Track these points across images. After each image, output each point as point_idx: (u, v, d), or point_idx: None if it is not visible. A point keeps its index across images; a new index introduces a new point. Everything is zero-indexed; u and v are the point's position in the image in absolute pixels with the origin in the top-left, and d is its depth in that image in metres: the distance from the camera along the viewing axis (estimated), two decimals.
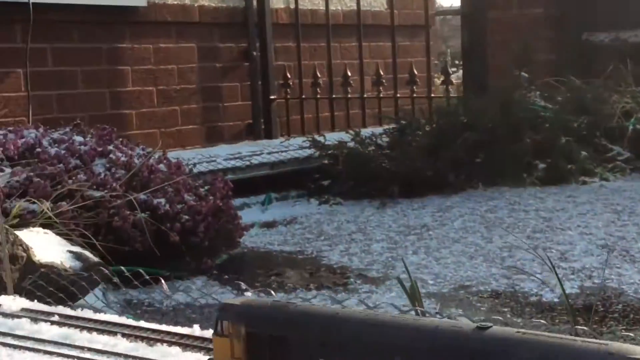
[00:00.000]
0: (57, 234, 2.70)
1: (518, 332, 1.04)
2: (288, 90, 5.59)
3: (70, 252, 2.42)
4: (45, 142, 3.02)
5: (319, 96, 5.52)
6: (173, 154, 4.23)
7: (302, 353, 1.18)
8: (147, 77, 5.10)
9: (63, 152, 2.97)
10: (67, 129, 3.21)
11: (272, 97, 5.54)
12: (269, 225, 3.71)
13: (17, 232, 2.38)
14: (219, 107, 5.44)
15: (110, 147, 3.06)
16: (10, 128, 3.12)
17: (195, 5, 5.25)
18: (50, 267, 2.31)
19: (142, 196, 2.96)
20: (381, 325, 1.13)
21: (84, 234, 2.79)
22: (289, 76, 5.61)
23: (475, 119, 4.18)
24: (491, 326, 1.06)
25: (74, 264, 2.38)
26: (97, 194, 2.89)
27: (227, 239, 3.22)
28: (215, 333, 1.27)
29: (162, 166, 3.13)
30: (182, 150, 4.83)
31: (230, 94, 5.49)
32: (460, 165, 4.08)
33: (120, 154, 3.06)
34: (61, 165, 2.94)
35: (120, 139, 3.22)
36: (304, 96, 5.56)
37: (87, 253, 2.45)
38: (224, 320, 1.26)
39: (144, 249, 2.93)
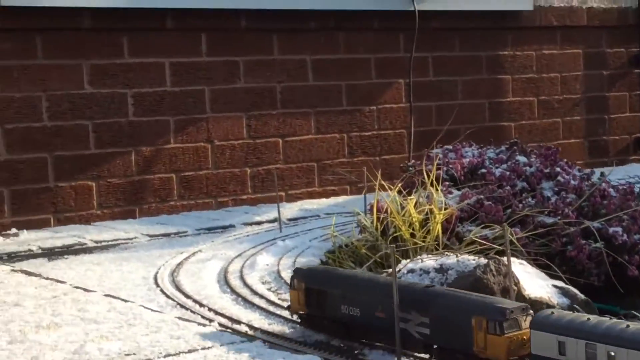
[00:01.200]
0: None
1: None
2: None
3: (555, 286, 2.36)
4: (487, 162, 3.01)
5: None
6: None
7: (333, 300, 2.15)
8: (528, 87, 5.02)
9: (508, 173, 2.94)
10: (503, 148, 3.19)
11: None
12: None
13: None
14: (605, 119, 5.24)
15: (557, 169, 2.98)
16: (449, 147, 3.14)
17: (584, 7, 5.09)
18: (539, 303, 2.26)
19: (595, 224, 2.85)
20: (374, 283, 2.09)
21: (538, 263, 2.74)
22: None
23: None
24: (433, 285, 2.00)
25: (561, 300, 2.31)
26: (550, 220, 2.82)
27: None
28: (290, 287, 2.27)
29: (612, 190, 3.00)
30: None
31: (617, 104, 5.26)
32: None
33: (568, 177, 2.97)
34: (508, 187, 2.90)
35: (566, 160, 3.14)
36: None
37: (573, 289, 2.37)
38: (295, 280, 2.25)
39: (599, 282, 2.82)
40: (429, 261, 2.33)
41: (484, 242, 2.63)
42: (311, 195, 4.42)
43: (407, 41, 4.65)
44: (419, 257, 2.37)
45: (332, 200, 4.33)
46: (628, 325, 1.61)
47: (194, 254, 2.86)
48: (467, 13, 4.79)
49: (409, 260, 2.37)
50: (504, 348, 1.72)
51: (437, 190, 2.76)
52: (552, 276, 2.65)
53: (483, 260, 2.26)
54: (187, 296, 2.37)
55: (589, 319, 1.65)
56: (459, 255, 2.34)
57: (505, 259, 2.48)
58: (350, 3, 4.51)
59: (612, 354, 1.60)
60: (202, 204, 4.19)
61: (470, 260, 2.27)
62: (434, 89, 4.79)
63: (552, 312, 1.73)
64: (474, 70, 4.88)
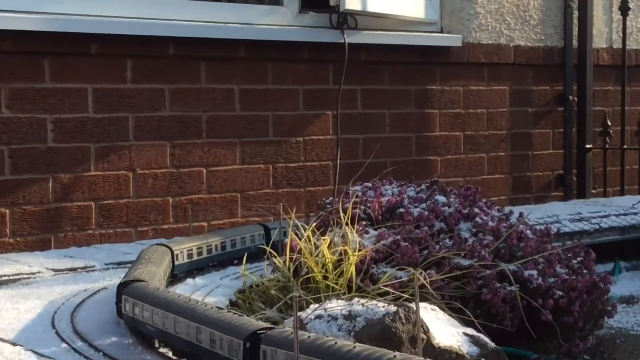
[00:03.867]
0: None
1: None
2: (607, 138, 5.26)
3: (466, 334, 2.26)
4: (405, 201, 2.91)
5: None
6: None
7: None
8: (455, 122, 4.96)
9: (427, 213, 2.84)
10: (423, 186, 3.09)
11: (587, 145, 5.23)
12: (627, 301, 3.41)
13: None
14: (529, 156, 5.20)
15: (476, 210, 2.90)
16: (368, 184, 3.04)
17: (511, 45, 5.06)
18: (448, 352, 2.16)
19: (511, 267, 2.77)
20: None
21: (452, 307, 2.64)
22: (609, 123, 5.28)
23: None
24: None
25: (472, 349, 2.21)
26: (466, 262, 2.73)
27: (595, 317, 2.96)
28: None
29: (529, 232, 2.93)
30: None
31: (541, 141, 5.23)
32: None
33: (486, 218, 2.89)
34: (425, 228, 2.81)
35: (484, 200, 3.05)
36: (625, 146, 5.21)
37: (484, 337, 2.27)
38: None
39: (512, 327, 2.74)
40: (339, 306, 2.21)
41: (394, 289, 2.52)
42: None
43: (336, 73, 4.56)
44: (328, 301, 2.25)
45: None
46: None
47: (98, 291, 2.70)
48: (397, 47, 4.72)
49: (317, 305, 2.25)
50: None
51: (352, 230, 2.65)
52: (466, 322, 2.56)
53: (392, 308, 2.15)
54: (84, 339, 2.21)
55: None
56: (368, 301, 2.23)
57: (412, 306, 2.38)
58: (280, 34, 4.41)
59: None
60: (122, 233, 4.03)
61: (380, 307, 2.16)
62: (361, 122, 4.70)
63: None
64: (402, 104, 4.81)
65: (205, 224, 4.26)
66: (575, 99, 5.22)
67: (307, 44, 4.49)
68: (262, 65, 4.41)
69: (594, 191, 5.23)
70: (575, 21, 5.20)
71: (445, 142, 4.92)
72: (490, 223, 2.86)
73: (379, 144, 4.72)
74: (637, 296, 3.46)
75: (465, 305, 2.71)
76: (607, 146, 5.26)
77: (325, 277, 2.56)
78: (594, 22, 5.30)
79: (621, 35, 5.21)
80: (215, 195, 4.30)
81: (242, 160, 4.37)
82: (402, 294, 2.55)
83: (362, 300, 2.23)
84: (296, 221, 2.66)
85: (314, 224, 2.70)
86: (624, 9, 5.15)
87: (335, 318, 2.16)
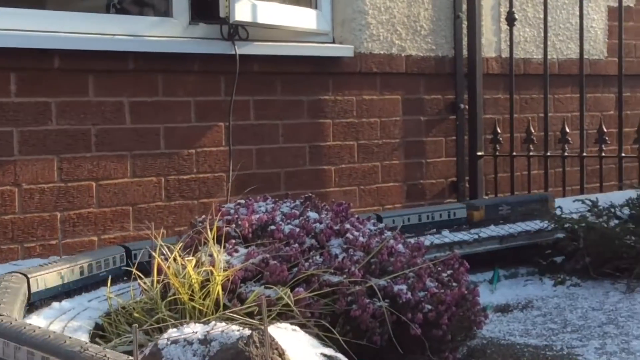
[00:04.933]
0: (295, 324, 2.56)
1: None
2: (497, 146, 5.34)
3: (324, 355, 2.26)
4: (277, 218, 2.90)
5: (531, 153, 5.24)
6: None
7: None
8: (349, 131, 4.98)
9: (297, 230, 2.84)
10: (297, 202, 3.09)
11: (479, 153, 5.31)
12: (503, 309, 3.46)
13: (269, 330, 2.24)
14: (422, 164, 5.25)
15: (347, 226, 2.91)
16: (241, 201, 3.02)
17: (403, 55, 5.10)
18: None
19: (381, 282, 2.79)
20: None
21: (320, 324, 2.64)
22: (499, 130, 5.36)
23: None
24: None
25: None
26: (335, 279, 2.73)
27: (467, 329, 3.00)
28: None
29: (400, 246, 2.95)
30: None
31: (434, 149, 5.29)
32: None
33: (357, 233, 2.90)
34: (296, 245, 2.80)
35: (356, 216, 3.06)
36: (514, 153, 5.30)
37: (342, 357, 2.28)
38: None
39: (382, 342, 2.75)
40: (196, 330, 2.19)
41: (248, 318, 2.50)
42: (125, 240, 4.22)
43: (228, 84, 4.53)
44: (186, 325, 2.23)
45: None
46: None
47: None
48: (290, 58, 4.72)
49: (175, 329, 2.22)
50: None
51: (219, 249, 2.63)
52: (334, 340, 2.57)
53: (246, 332, 2.13)
54: None
55: None
56: (227, 324, 2.21)
57: (277, 326, 2.37)
58: (170, 45, 4.36)
59: None
60: (7, 250, 3.93)
61: (235, 331, 2.14)
62: (255, 133, 4.68)
63: None
64: (295, 114, 4.80)
65: (95, 238, 4.18)
66: (467, 107, 5.29)
67: (198, 55, 4.45)
68: (152, 77, 4.36)
69: (486, 197, 5.31)
70: (465, 31, 5.27)
71: (339, 151, 4.93)
72: (361, 239, 2.88)
73: (273, 155, 4.72)
74: (513, 305, 3.51)
75: (335, 322, 2.72)
76: (497, 153, 5.34)
77: (192, 298, 2.53)
78: (483, 32, 5.39)
79: (510, 45, 5.30)
80: (105, 209, 4.22)
81: (133, 173, 4.30)
82: (271, 312, 2.55)
83: (220, 324, 2.21)
84: (160, 241, 2.62)
85: (183, 243, 2.67)
86: (510, 20, 5.24)
87: (191, 343, 2.14)
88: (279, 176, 4.76)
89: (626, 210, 3.99)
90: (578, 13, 5.23)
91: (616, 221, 3.85)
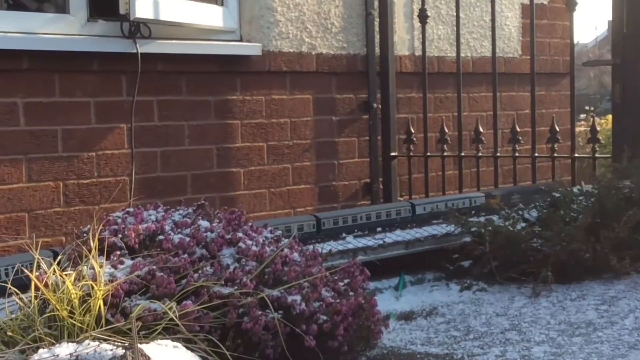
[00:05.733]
0: (183, 339, 2.52)
1: None
2: (411, 146, 5.37)
3: None
4: (167, 227, 2.85)
5: (445, 153, 5.27)
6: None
7: None
8: (258, 132, 4.95)
9: (187, 239, 2.80)
10: (190, 210, 3.04)
11: (392, 153, 5.33)
12: (407, 317, 3.46)
13: (146, 348, 2.19)
14: (334, 165, 5.25)
15: (240, 234, 2.87)
16: (130, 209, 2.96)
17: (313, 53, 5.08)
18: None
19: (275, 292, 2.76)
20: None
21: (210, 338, 2.61)
22: (413, 130, 5.39)
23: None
24: None
25: None
26: (226, 290, 2.70)
27: (366, 339, 2.99)
28: None
29: (295, 255, 2.93)
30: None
31: (347, 149, 5.29)
32: (625, 247, 3.77)
33: (250, 242, 2.86)
34: (185, 255, 2.76)
35: (250, 224, 3.03)
36: (428, 153, 5.32)
37: None
38: None
39: (275, 355, 2.73)
40: (69, 350, 2.13)
41: (147, 322, 2.46)
42: (21, 249, 4.12)
43: (130, 84, 4.46)
44: (58, 345, 2.17)
45: None
46: None
47: None
48: (195, 57, 4.66)
49: (46, 350, 2.16)
50: None
51: (102, 262, 2.57)
52: (223, 355, 2.53)
53: (120, 351, 2.09)
54: None
55: None
56: (100, 343, 2.15)
57: (157, 343, 2.33)
58: (67, 44, 4.26)
59: None
60: None
61: (108, 350, 2.09)
62: (159, 134, 4.61)
63: None
64: (201, 115, 4.75)
65: None
66: (380, 106, 5.30)
67: (97, 54, 4.37)
68: (48, 76, 4.26)
69: (400, 199, 5.33)
70: (377, 29, 5.28)
71: (248, 153, 4.89)
72: (253, 248, 2.85)
73: (178, 157, 4.66)
74: (417, 312, 3.52)
75: (226, 335, 2.68)
76: (411, 153, 5.36)
77: (72, 314, 2.46)
78: (395, 30, 5.40)
79: (422, 42, 5.31)
80: None
81: (29, 177, 4.20)
82: (156, 327, 2.50)
83: (94, 343, 2.15)
84: (37, 254, 2.55)
85: (64, 256, 2.60)
86: (422, 17, 5.26)
87: None
88: (186, 179, 4.70)
89: (534, 213, 4.04)
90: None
91: (523, 224, 3.89)
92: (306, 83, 5.08)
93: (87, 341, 2.19)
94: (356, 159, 5.32)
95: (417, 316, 3.46)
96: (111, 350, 2.10)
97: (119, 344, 2.17)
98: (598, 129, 4.95)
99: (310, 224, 3.96)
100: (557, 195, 3.95)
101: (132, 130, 4.45)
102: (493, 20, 5.13)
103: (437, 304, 3.60)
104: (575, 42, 5.02)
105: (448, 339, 3.18)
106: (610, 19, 4.85)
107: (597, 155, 4.85)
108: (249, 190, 4.91)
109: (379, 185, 5.34)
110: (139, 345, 2.13)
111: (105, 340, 2.22)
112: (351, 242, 3.74)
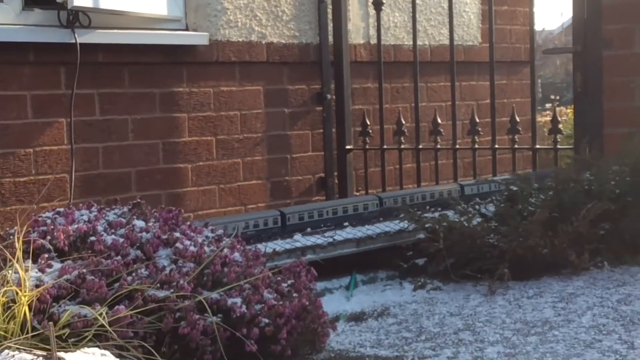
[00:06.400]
0: (115, 346, 2.46)
1: None
2: (367, 139, 5.33)
3: None
4: (100, 227, 2.79)
5: (403, 146, 5.24)
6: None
7: None
8: (206, 125, 4.88)
9: (121, 240, 2.73)
10: (125, 209, 2.98)
11: (348, 146, 5.29)
12: (357, 318, 3.42)
13: (69, 358, 2.13)
14: (287, 159, 5.20)
15: (177, 234, 2.81)
16: (60, 209, 2.89)
17: (264, 42, 5.02)
18: None
19: (214, 295, 2.71)
20: None
21: (144, 344, 2.55)
22: (369, 122, 5.35)
23: (600, 184, 3.86)
24: None
25: None
26: (161, 294, 2.64)
27: (312, 342, 2.95)
28: None
29: (237, 255, 2.88)
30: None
31: (300, 143, 5.24)
32: (584, 241, 3.76)
33: (188, 242, 2.81)
34: (119, 257, 2.70)
35: (188, 223, 2.97)
36: (385, 146, 5.29)
37: None
38: None
39: None
40: None
41: (77, 329, 2.40)
42: None
43: (69, 76, 4.38)
44: None
45: None
46: None
47: None
48: (138, 47, 4.59)
49: None
50: None
51: (28, 265, 2.50)
52: None
53: None
54: None
55: None
56: (19, 352, 2.09)
57: (84, 351, 2.27)
58: (1, 34, 4.17)
59: None
60: None
61: (26, 358, 2.03)
62: (101, 129, 4.53)
63: None
64: (146, 108, 4.68)
65: None
66: (334, 97, 5.26)
67: (33, 44, 4.29)
68: None
69: (357, 194, 5.30)
70: (331, 16, 5.23)
71: (195, 147, 4.83)
72: (191, 248, 2.79)
73: (122, 153, 4.58)
74: (369, 312, 3.48)
75: (162, 341, 2.63)
76: (367, 146, 5.33)
77: None
78: (349, 17, 5.36)
79: (377, 30, 5.28)
80: None
81: None
82: (87, 333, 2.44)
83: (13, 353, 2.09)
84: None
85: None
86: (377, 4, 5.23)
87: None
88: (130, 176, 4.63)
89: (491, 207, 4.01)
90: None
91: (479, 219, 3.87)
92: (256, 74, 5.02)
93: (6, 351, 2.12)
94: (310, 152, 5.28)
95: (368, 317, 3.42)
96: (31, 357, 2.04)
97: (40, 353, 2.10)
98: (564, 118, 4.95)
99: (273, 220, 3.88)
100: (515, 188, 3.93)
101: (71, 125, 4.37)
102: (450, 6, 5.10)
103: (390, 304, 3.56)
104: (540, 28, 5.05)
105: (399, 341, 3.14)
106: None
107: (559, 146, 4.85)
108: (197, 187, 4.85)
109: (334, 179, 5.30)
110: (59, 354, 2.07)
111: (25, 350, 2.15)
112: (299, 240, 3.69)
